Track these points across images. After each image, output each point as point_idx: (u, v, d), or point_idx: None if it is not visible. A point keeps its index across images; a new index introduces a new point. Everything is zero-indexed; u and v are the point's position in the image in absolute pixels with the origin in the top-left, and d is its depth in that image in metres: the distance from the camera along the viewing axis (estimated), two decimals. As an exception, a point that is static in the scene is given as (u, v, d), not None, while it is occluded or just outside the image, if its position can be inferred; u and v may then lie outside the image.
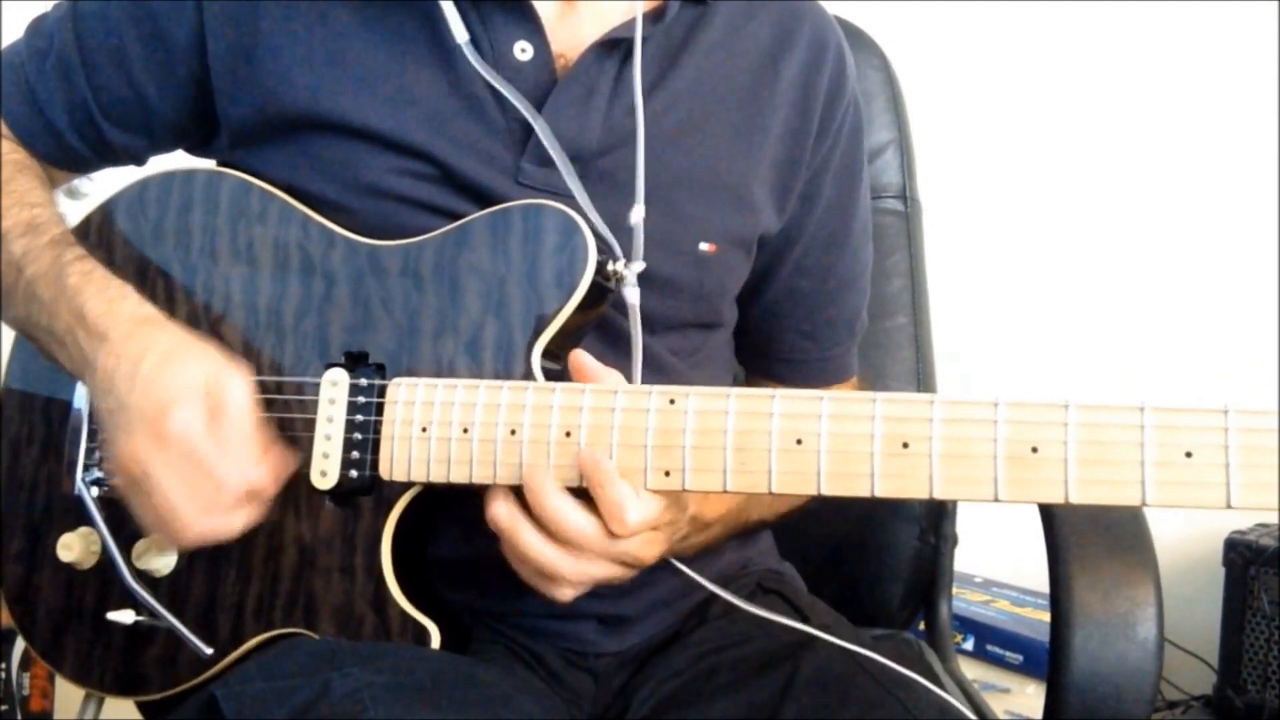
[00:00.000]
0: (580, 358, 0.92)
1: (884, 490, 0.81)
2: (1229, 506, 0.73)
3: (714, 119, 1.08)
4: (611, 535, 0.86)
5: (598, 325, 1.01)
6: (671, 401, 0.86)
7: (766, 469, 0.83)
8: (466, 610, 1.04)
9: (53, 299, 0.99)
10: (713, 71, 1.09)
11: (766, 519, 1.19)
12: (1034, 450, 0.77)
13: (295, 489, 0.97)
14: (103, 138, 1.11)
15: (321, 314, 1.00)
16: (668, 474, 0.86)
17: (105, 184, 1.14)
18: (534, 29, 1.03)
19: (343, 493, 0.97)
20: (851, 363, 1.26)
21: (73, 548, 1.02)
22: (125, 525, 1.02)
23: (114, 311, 0.97)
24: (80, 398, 1.06)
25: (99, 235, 1.08)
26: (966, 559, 1.54)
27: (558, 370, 0.97)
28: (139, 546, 1.00)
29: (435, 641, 0.93)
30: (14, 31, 1.14)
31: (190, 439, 0.90)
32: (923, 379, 1.45)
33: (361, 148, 1.01)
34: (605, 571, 0.90)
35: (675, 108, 1.07)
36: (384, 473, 0.94)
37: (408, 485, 0.95)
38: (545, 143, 1.00)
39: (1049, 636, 1.03)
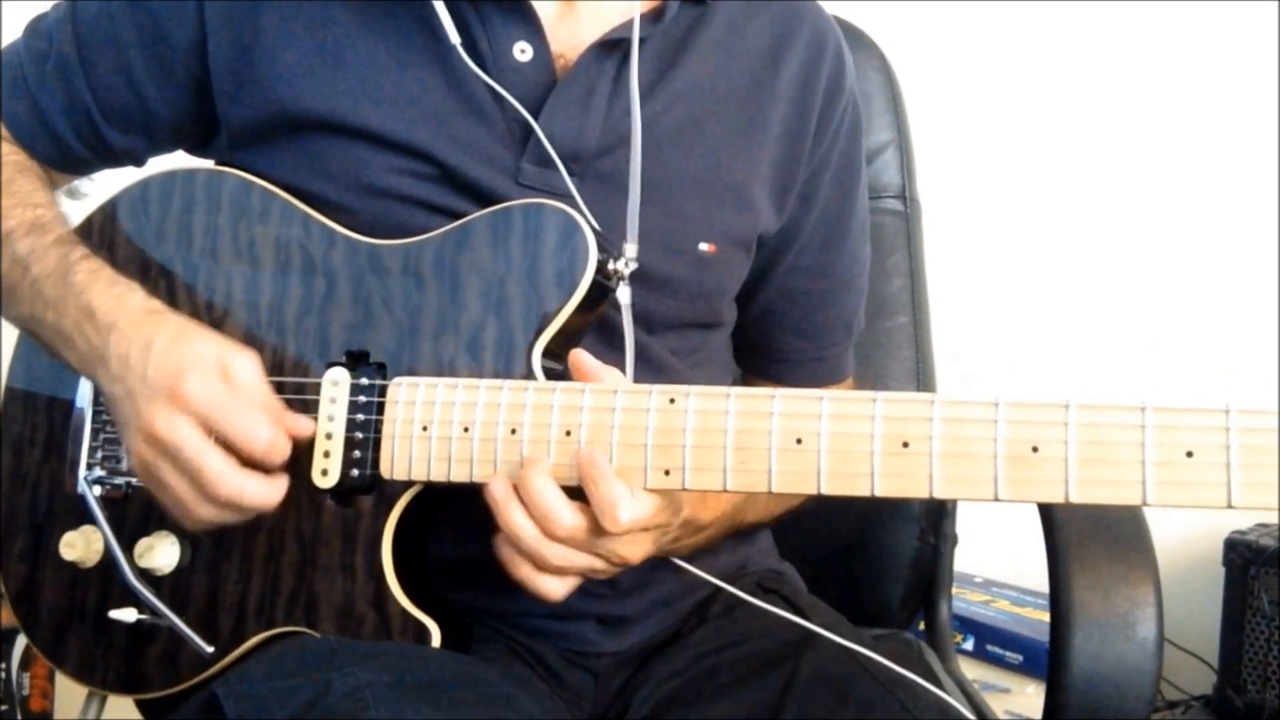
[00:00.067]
0: (580, 357, 0.92)
1: (884, 490, 0.81)
2: (1230, 506, 0.73)
3: (713, 119, 1.08)
4: (603, 532, 0.86)
5: (597, 325, 1.01)
6: (671, 401, 0.86)
7: (766, 468, 0.83)
8: (467, 610, 1.04)
9: (59, 297, 0.99)
10: (712, 71, 1.09)
11: (762, 520, 1.19)
12: (1034, 450, 0.77)
13: (297, 488, 0.97)
14: (102, 139, 1.11)
15: (322, 313, 1.00)
16: (668, 473, 0.86)
17: (106, 184, 1.14)
18: (533, 30, 1.03)
19: (344, 491, 0.97)
20: (848, 362, 1.26)
21: (75, 546, 1.03)
22: (127, 524, 1.02)
23: (121, 305, 0.97)
24: (82, 397, 1.07)
25: (101, 235, 1.08)
26: (966, 559, 1.54)
27: (558, 370, 0.97)
28: (141, 545, 1.00)
29: (436, 640, 0.94)
30: (14, 31, 1.14)
31: (210, 397, 0.91)
32: (923, 379, 1.45)
33: (361, 148, 1.02)
34: (587, 563, 0.90)
35: (675, 108, 1.07)
36: (385, 472, 0.95)
37: (408, 484, 0.95)
38: (545, 143, 1.00)
39: (1049, 636, 1.03)
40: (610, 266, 0.97)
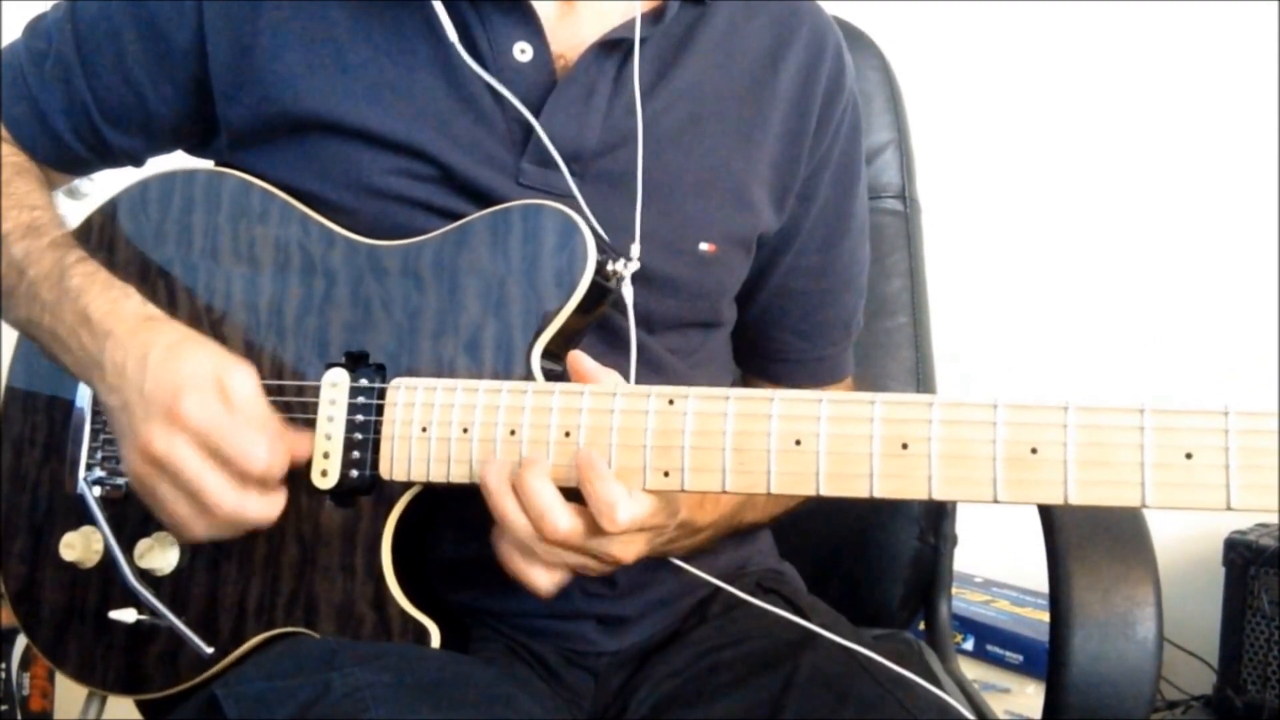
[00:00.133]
0: (578, 358, 0.92)
1: (883, 491, 0.81)
2: (1229, 508, 0.73)
3: (713, 119, 1.08)
4: (599, 533, 0.86)
5: (598, 325, 1.01)
6: (670, 402, 0.86)
7: (765, 469, 0.83)
8: (466, 610, 1.04)
9: (55, 300, 0.99)
10: (712, 71, 1.09)
11: (760, 522, 1.19)
12: (1033, 451, 0.77)
13: (296, 489, 0.98)
14: (102, 139, 1.11)
15: (322, 314, 1.00)
16: (667, 474, 0.86)
17: (106, 185, 1.14)
18: (533, 30, 1.03)
19: (343, 492, 0.97)
20: (847, 362, 1.26)
21: (75, 547, 1.03)
22: (127, 524, 1.02)
23: (117, 311, 0.97)
24: (82, 397, 1.07)
25: (100, 236, 1.08)
26: (966, 559, 1.54)
27: (558, 371, 0.97)
28: (141, 546, 1.00)
29: (435, 641, 0.94)
30: (14, 31, 1.14)
31: (208, 417, 0.91)
32: (922, 379, 1.45)
33: (361, 148, 1.02)
34: (579, 561, 0.90)
35: (675, 108, 1.07)
36: (384, 472, 0.95)
37: (408, 485, 0.95)
38: (546, 143, 1.00)
39: (1049, 636, 1.03)
40: (609, 267, 0.97)
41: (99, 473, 1.05)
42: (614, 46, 1.04)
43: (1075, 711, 0.99)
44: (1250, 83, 2.31)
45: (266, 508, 0.94)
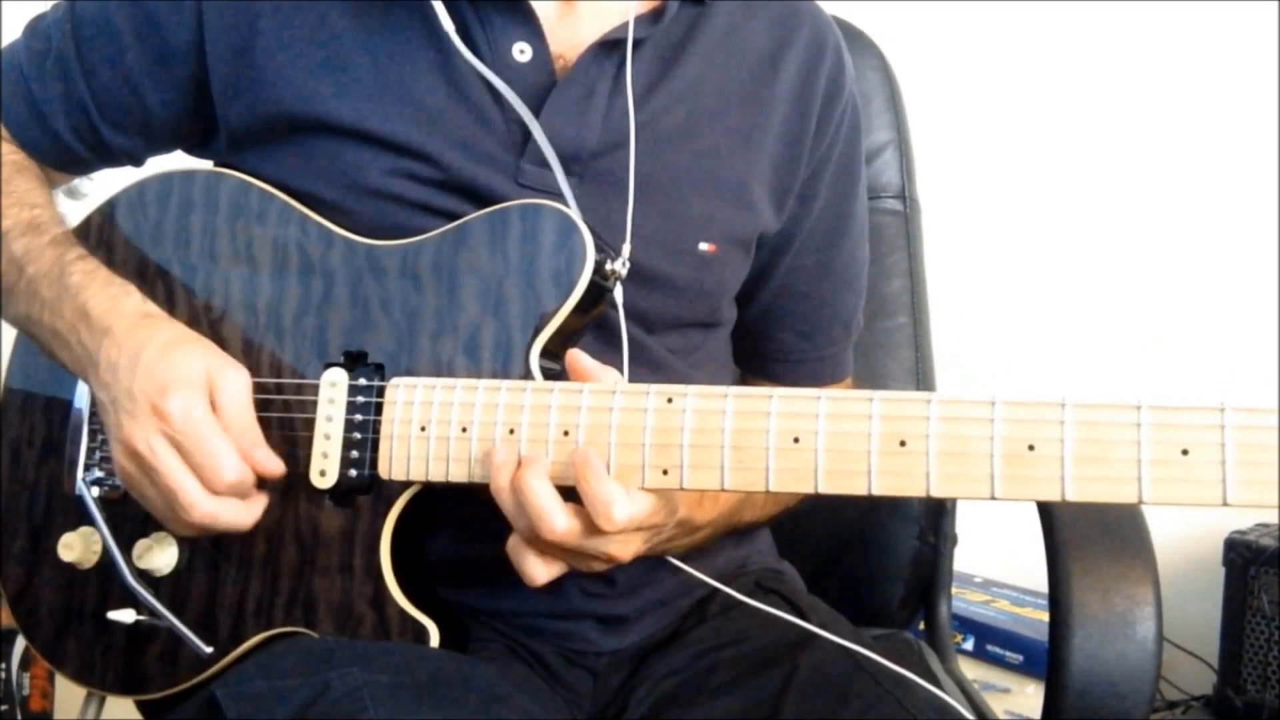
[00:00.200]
0: (577, 357, 0.92)
1: (881, 488, 0.81)
2: (1225, 504, 0.73)
3: (713, 119, 1.08)
4: (597, 532, 0.86)
5: (597, 324, 1.01)
6: (669, 400, 0.86)
7: (764, 467, 0.83)
8: (465, 609, 1.04)
9: (55, 297, 1.00)
10: (712, 71, 1.09)
11: (759, 520, 1.19)
12: (1031, 448, 0.77)
13: (295, 488, 0.98)
14: (100, 139, 1.11)
15: (320, 314, 1.00)
16: (665, 472, 0.86)
17: (105, 184, 1.14)
18: (532, 30, 1.03)
19: (342, 492, 0.97)
20: (847, 362, 1.26)
21: (74, 547, 1.03)
22: (125, 525, 1.02)
23: (116, 308, 0.97)
24: (81, 398, 1.07)
25: (99, 236, 1.08)
26: (966, 559, 1.54)
27: (556, 370, 0.97)
28: (139, 546, 1.00)
29: (434, 640, 0.94)
30: (13, 31, 1.14)
31: (190, 417, 0.92)
32: (922, 379, 1.45)
33: (360, 149, 1.02)
34: (576, 558, 0.90)
35: (675, 108, 1.07)
36: (383, 472, 0.95)
37: (407, 484, 0.95)
38: (539, 141, 1.00)
39: (1048, 636, 1.03)
40: (608, 267, 0.97)
41: (97, 473, 1.05)
42: (613, 46, 1.04)
43: (1075, 711, 0.99)
44: (1250, 83, 2.31)
45: (241, 514, 0.95)
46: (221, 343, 1.00)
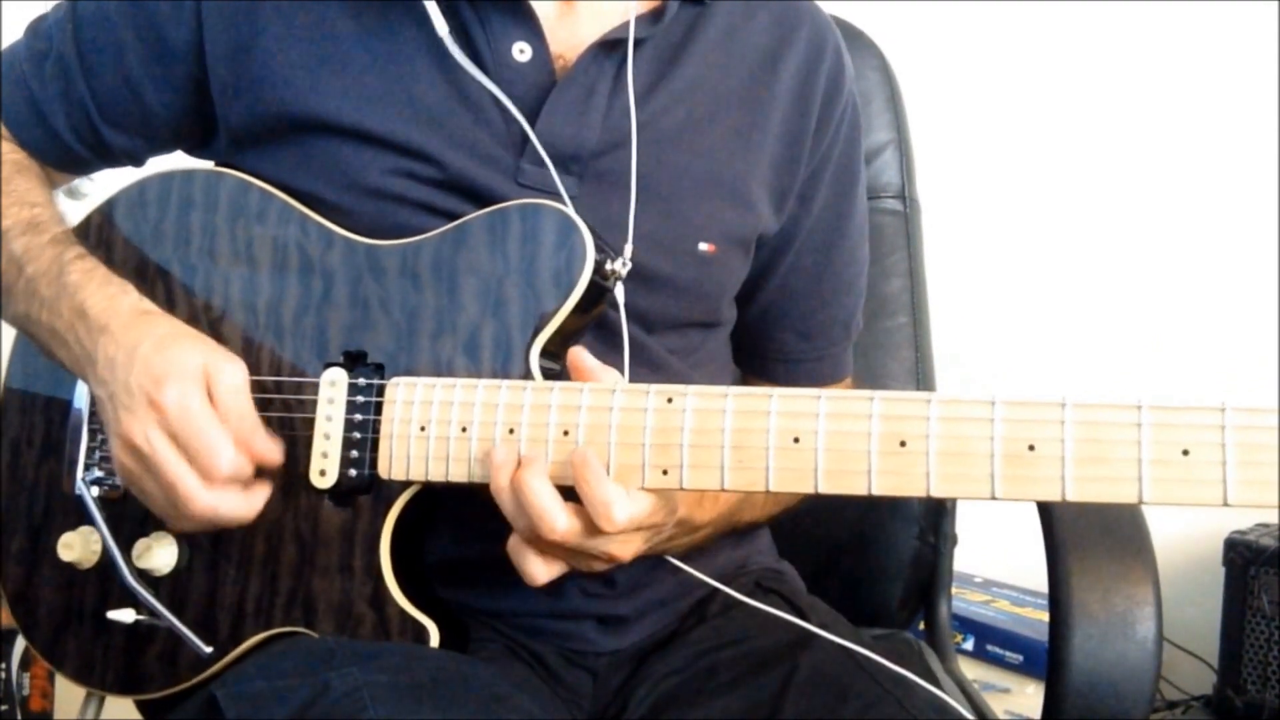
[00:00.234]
0: (579, 356, 0.92)
1: (881, 488, 0.81)
2: (1226, 504, 0.73)
3: (713, 119, 1.08)
4: (598, 532, 0.86)
5: (596, 324, 1.01)
6: (669, 400, 0.86)
7: (764, 467, 0.83)
8: (465, 610, 1.04)
9: (54, 296, 1.00)
10: (712, 71, 1.09)
11: (759, 520, 1.19)
12: (1031, 448, 0.77)
13: (294, 488, 0.98)
14: (101, 139, 1.11)
15: (320, 313, 1.00)
16: (665, 472, 0.86)
17: (106, 184, 1.14)
18: (532, 30, 1.03)
19: (342, 492, 0.97)
20: (847, 362, 1.26)
21: (73, 547, 1.03)
22: (125, 524, 1.02)
23: (114, 307, 0.97)
24: (80, 397, 1.07)
25: (99, 235, 1.08)
26: (966, 559, 1.54)
27: (556, 370, 0.97)
28: (139, 545, 1.00)
29: (434, 640, 0.94)
30: (13, 31, 1.15)
31: (186, 408, 0.91)
32: (922, 379, 1.45)
33: (360, 148, 1.02)
34: (577, 558, 0.89)
35: (675, 108, 1.07)
36: (383, 472, 0.94)
37: (406, 484, 0.95)
38: (538, 146, 1.00)
39: (1048, 636, 1.03)
40: (608, 266, 0.97)
41: (97, 473, 1.05)
42: (613, 46, 1.04)
43: (1075, 711, 0.99)
44: (1250, 83, 2.31)
45: (242, 506, 0.94)
46: (221, 342, 0.99)
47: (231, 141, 1.07)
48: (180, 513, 0.93)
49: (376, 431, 0.95)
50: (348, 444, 0.97)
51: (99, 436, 1.05)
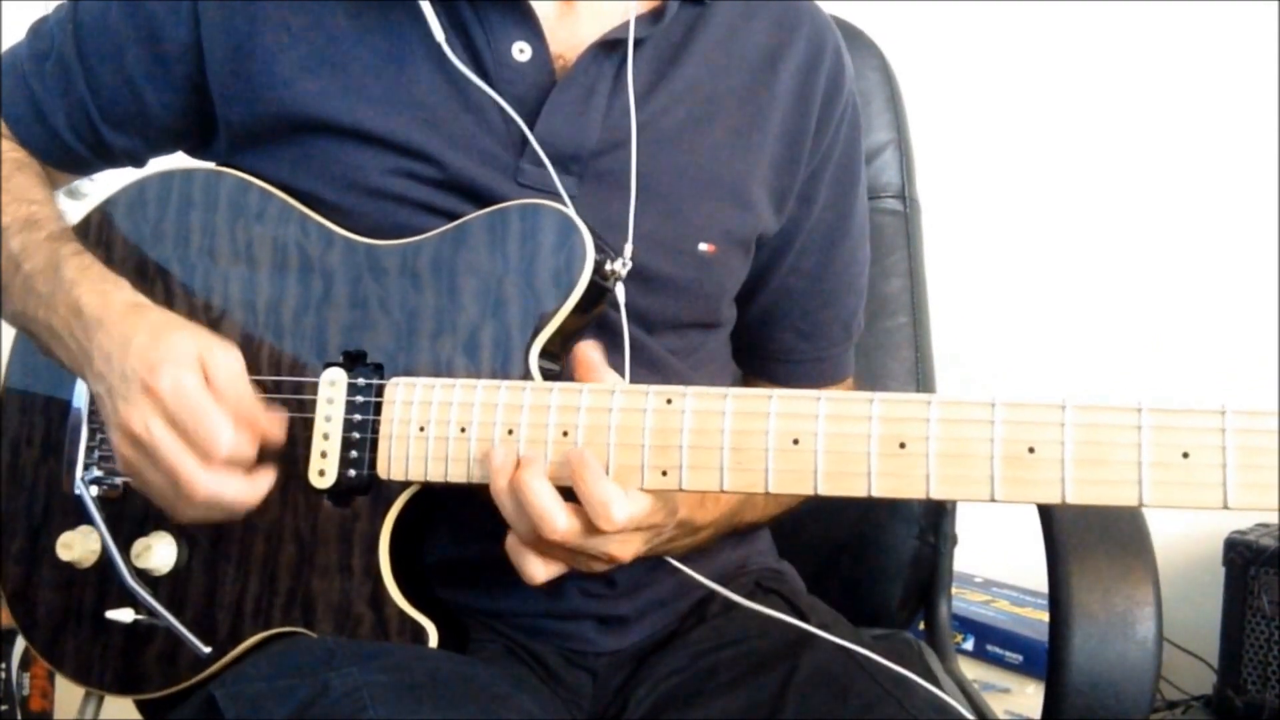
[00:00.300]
0: (585, 351, 0.92)
1: (881, 490, 0.81)
2: (1226, 507, 0.73)
3: (713, 119, 1.08)
4: (597, 532, 0.86)
5: (596, 324, 1.01)
6: (669, 401, 0.86)
7: (763, 468, 0.83)
8: (465, 610, 1.04)
9: (49, 293, 0.99)
10: (712, 72, 1.09)
11: (759, 521, 1.19)
12: (1031, 450, 0.77)
13: (294, 488, 0.98)
14: (100, 139, 1.11)
15: (319, 313, 1.00)
16: (665, 473, 0.86)
17: (106, 184, 1.14)
18: (532, 29, 1.03)
19: (341, 492, 0.97)
20: (848, 363, 1.26)
21: (72, 547, 1.03)
22: (124, 524, 1.02)
23: (108, 302, 0.97)
24: (80, 396, 1.06)
25: (98, 234, 1.08)
26: (966, 559, 1.54)
27: (556, 370, 0.97)
28: (138, 545, 1.00)
29: (433, 641, 0.94)
30: (13, 32, 1.15)
31: (182, 391, 0.90)
32: (922, 379, 1.45)
33: (360, 149, 1.01)
34: (576, 559, 0.89)
35: (674, 108, 1.07)
36: (382, 472, 0.94)
37: (406, 484, 0.95)
38: (532, 144, 0.99)
39: (1049, 636, 1.03)
40: (608, 267, 0.97)
41: (96, 472, 1.05)
42: (613, 46, 1.04)
43: (1075, 711, 0.99)
44: (1250, 83, 2.31)
45: (246, 491, 0.93)
46: (220, 342, 1.00)
47: (231, 142, 1.07)
48: (183, 499, 0.92)
49: (376, 432, 0.95)
50: (347, 444, 0.97)
51: (98, 436, 1.05)
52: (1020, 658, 2.11)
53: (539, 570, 0.90)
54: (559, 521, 0.85)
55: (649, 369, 1.06)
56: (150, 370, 0.91)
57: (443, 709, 0.83)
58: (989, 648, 2.15)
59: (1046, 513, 1.09)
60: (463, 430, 0.91)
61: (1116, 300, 2.42)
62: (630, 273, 1.00)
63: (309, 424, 0.98)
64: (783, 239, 1.15)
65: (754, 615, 1.03)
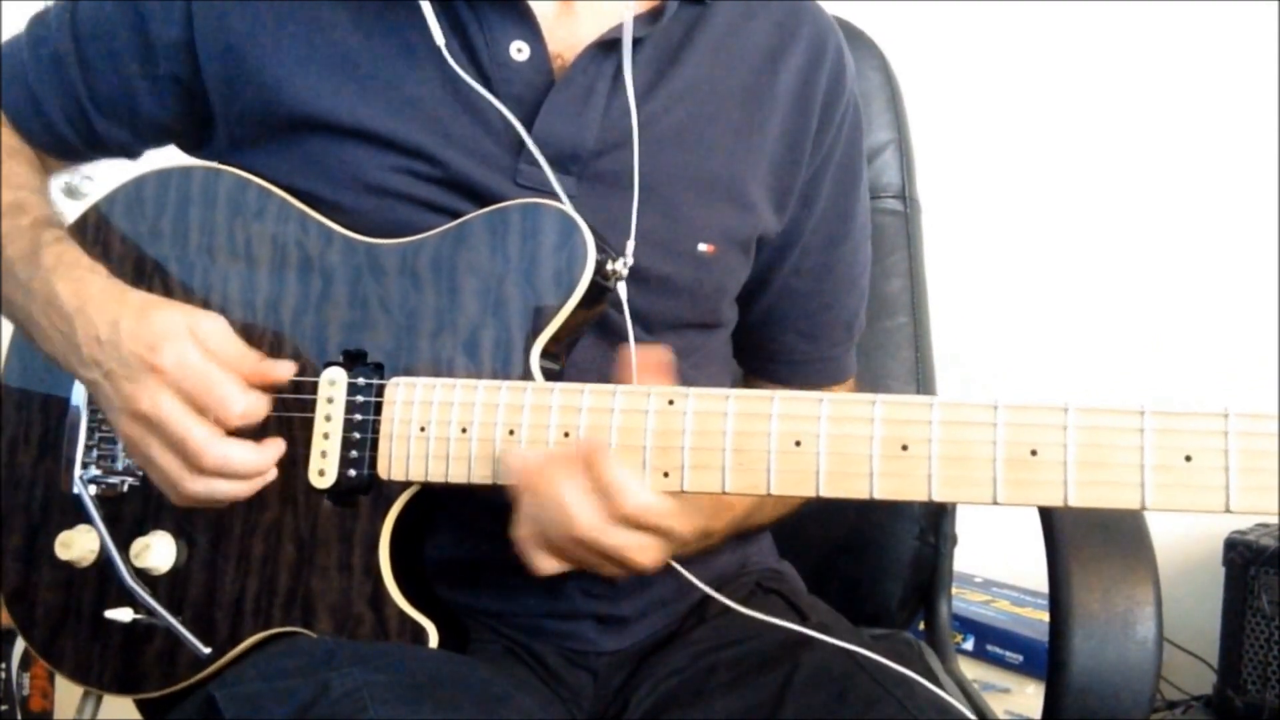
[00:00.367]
0: (650, 354, 0.92)
1: (883, 492, 0.81)
2: (1228, 510, 0.73)
3: (713, 119, 1.08)
4: (620, 518, 0.84)
5: (597, 324, 1.01)
6: (670, 402, 0.86)
7: (765, 470, 0.83)
8: (465, 610, 1.04)
9: (28, 279, 1.00)
10: (712, 71, 1.09)
11: (765, 524, 1.19)
12: (1033, 453, 0.77)
13: (294, 488, 0.97)
14: (93, 130, 1.11)
15: (319, 313, 1.00)
16: (666, 474, 0.86)
17: (106, 185, 1.14)
18: (530, 29, 1.03)
19: (341, 492, 0.97)
20: (849, 364, 1.26)
21: (71, 546, 1.02)
22: (123, 523, 1.02)
23: (84, 289, 0.97)
24: (78, 394, 1.06)
25: (96, 232, 1.08)
26: (966, 559, 1.54)
27: (556, 370, 0.97)
28: (137, 544, 1.00)
29: (433, 641, 0.93)
30: (13, 31, 1.15)
31: (187, 363, 0.92)
32: (923, 379, 1.45)
33: (358, 147, 1.01)
34: (593, 559, 0.88)
35: (674, 108, 1.06)
36: (382, 472, 0.94)
37: (406, 484, 0.95)
38: (530, 145, 0.99)
39: (1049, 636, 1.03)
40: (609, 266, 0.97)
41: (95, 471, 1.05)
42: (612, 46, 1.03)
43: (1075, 711, 0.99)
44: (1250, 83, 2.31)
45: (255, 458, 0.94)
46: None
47: (230, 141, 1.07)
48: (190, 473, 0.93)
49: (376, 431, 0.95)
50: (347, 444, 0.96)
51: (97, 434, 1.05)
52: (1020, 658, 2.11)
53: (549, 564, 0.89)
54: (642, 495, 0.84)
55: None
56: (150, 349, 0.92)
57: (443, 709, 0.83)
58: (989, 648, 2.15)
59: (1047, 513, 1.09)
60: (464, 430, 0.91)
61: (1117, 301, 2.42)
62: (630, 273, 1.00)
63: (309, 424, 0.98)
64: (784, 240, 1.15)
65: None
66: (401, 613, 0.94)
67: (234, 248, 1.03)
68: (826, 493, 0.82)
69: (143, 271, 1.05)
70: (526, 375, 0.94)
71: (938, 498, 0.79)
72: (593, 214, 0.99)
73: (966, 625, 2.18)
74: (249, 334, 1.01)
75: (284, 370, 0.97)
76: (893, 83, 1.49)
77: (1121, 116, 2.40)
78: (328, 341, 0.99)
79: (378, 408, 0.96)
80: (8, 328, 1.09)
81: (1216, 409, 0.73)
